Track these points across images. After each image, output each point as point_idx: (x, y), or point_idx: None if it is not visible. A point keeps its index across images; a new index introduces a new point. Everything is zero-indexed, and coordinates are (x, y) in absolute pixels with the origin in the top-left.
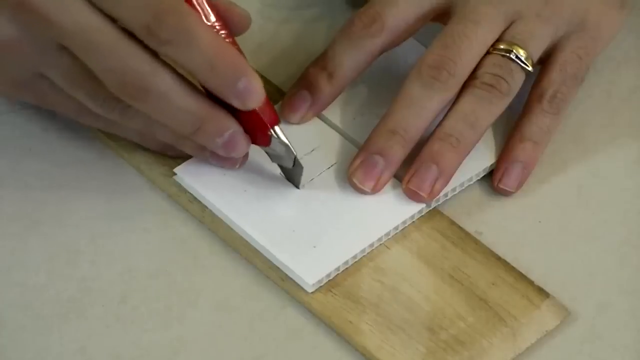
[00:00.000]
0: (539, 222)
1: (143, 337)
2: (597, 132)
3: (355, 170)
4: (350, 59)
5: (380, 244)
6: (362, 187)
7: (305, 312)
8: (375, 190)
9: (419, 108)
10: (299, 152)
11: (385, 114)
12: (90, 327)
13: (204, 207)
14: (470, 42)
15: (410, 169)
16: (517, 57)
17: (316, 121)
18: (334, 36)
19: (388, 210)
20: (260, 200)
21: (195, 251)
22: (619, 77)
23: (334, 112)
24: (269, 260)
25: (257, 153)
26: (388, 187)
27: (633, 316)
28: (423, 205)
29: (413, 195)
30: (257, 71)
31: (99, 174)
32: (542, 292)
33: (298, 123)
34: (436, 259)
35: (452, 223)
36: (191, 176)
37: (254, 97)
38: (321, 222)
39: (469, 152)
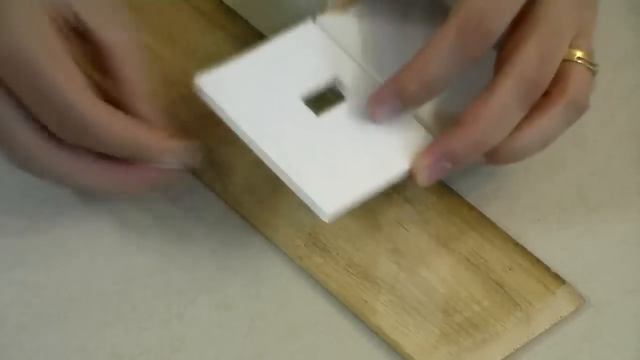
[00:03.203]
0: (538, 220)
1: (143, 335)
2: (597, 131)
3: (422, 169)
4: (454, 77)
5: (400, 226)
6: (419, 184)
7: (304, 312)
8: None
9: (510, 125)
10: (321, 78)
11: (469, 115)
12: (89, 326)
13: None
14: (559, 57)
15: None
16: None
17: (335, 50)
18: (434, 40)
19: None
20: (281, 122)
21: (194, 249)
22: (618, 76)
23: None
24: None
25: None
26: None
27: (633, 315)
28: None
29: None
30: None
31: None
32: (558, 279)
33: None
34: (454, 242)
35: (472, 207)
36: (213, 87)
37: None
38: (342, 152)
39: None
